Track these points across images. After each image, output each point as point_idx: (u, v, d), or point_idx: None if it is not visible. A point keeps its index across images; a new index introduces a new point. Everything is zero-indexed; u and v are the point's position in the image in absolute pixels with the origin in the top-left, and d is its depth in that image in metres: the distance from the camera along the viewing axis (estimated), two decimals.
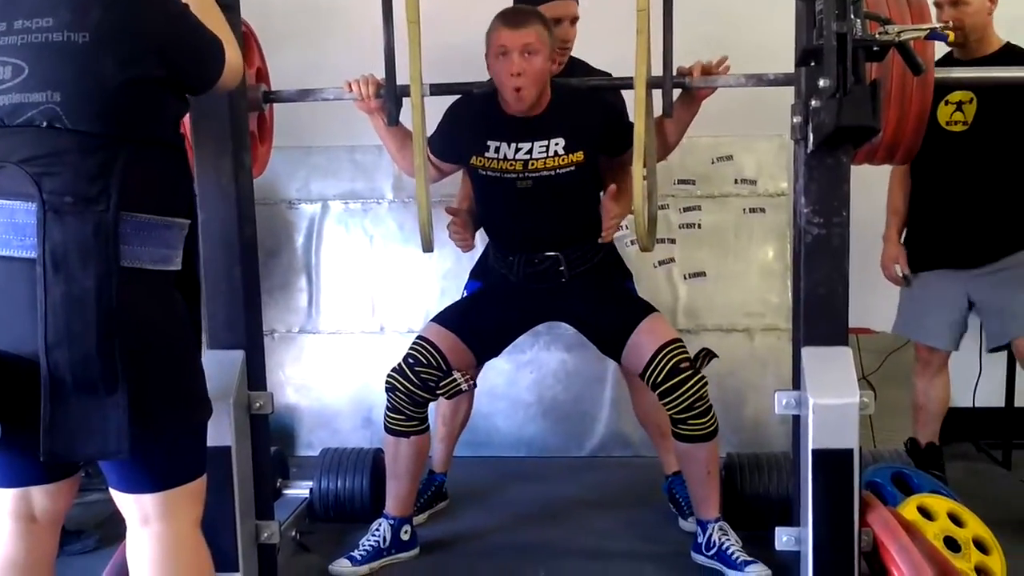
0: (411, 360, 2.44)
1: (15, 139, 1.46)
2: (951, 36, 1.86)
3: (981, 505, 2.36)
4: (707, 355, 2.44)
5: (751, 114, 3.30)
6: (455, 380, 2.44)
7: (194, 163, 2.15)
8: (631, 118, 2.33)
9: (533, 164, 2.40)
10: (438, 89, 2.35)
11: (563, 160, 2.39)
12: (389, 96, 2.32)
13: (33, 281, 1.43)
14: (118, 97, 1.48)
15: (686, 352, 2.39)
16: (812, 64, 1.86)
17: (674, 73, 2.27)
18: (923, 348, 2.96)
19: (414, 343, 2.47)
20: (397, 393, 2.44)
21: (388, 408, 2.48)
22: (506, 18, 2.33)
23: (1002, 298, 2.73)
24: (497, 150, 2.41)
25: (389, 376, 2.46)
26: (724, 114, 3.13)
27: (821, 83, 1.74)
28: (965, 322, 2.87)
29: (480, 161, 2.44)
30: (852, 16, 1.68)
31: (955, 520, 2.25)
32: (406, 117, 2.31)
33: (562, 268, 2.48)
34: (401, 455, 2.50)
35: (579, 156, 2.40)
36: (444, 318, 2.53)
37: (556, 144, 2.39)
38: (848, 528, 2.01)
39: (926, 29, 1.80)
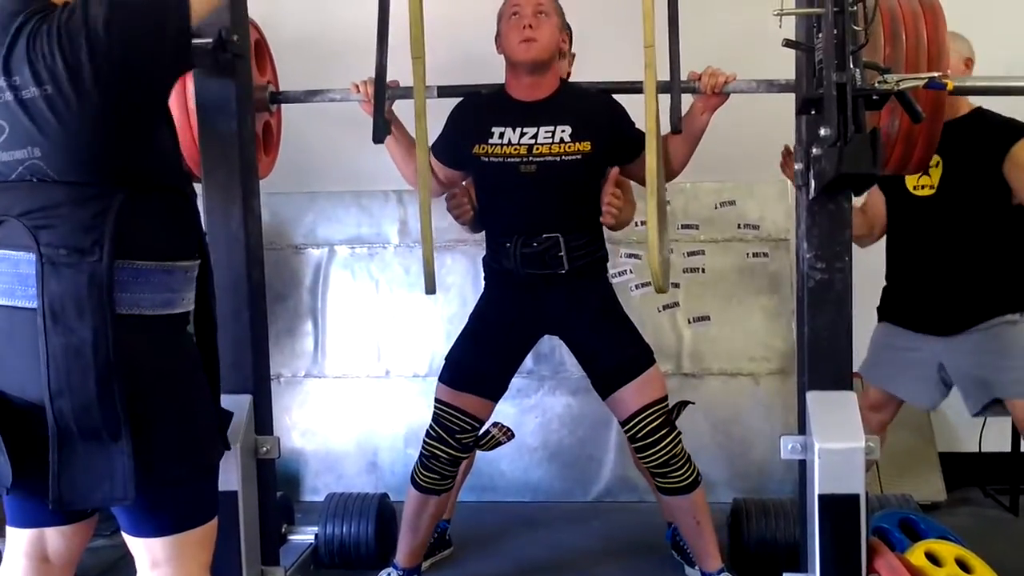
0: (453, 428, 2.43)
1: (13, 193, 1.50)
2: (949, 85, 1.88)
3: (989, 551, 2.34)
4: (681, 406, 2.47)
5: (754, 159, 3.33)
6: (494, 436, 2.49)
7: (203, 207, 2.18)
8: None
9: (538, 149, 2.36)
10: (445, 91, 2.38)
11: (569, 147, 2.35)
12: (378, 113, 2.30)
13: (37, 329, 1.46)
14: (96, 140, 1.49)
15: (667, 411, 2.40)
16: (813, 113, 1.90)
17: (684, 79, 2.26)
18: (865, 409, 2.79)
19: (444, 411, 2.45)
20: (438, 461, 2.45)
21: (423, 468, 2.47)
22: None
23: (980, 363, 2.62)
24: (501, 135, 2.39)
25: (428, 445, 2.46)
26: (727, 160, 3.18)
27: (822, 132, 1.77)
28: (942, 386, 2.74)
29: (483, 149, 2.40)
30: (852, 66, 1.72)
31: (963, 566, 2.23)
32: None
33: (561, 254, 2.39)
34: (426, 511, 2.51)
35: (586, 145, 2.36)
36: (452, 379, 2.48)
37: (563, 131, 2.36)
38: (855, 574, 2.00)
39: (924, 78, 1.83)
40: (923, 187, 2.63)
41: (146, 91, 1.55)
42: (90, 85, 1.47)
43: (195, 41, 2.02)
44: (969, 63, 2.60)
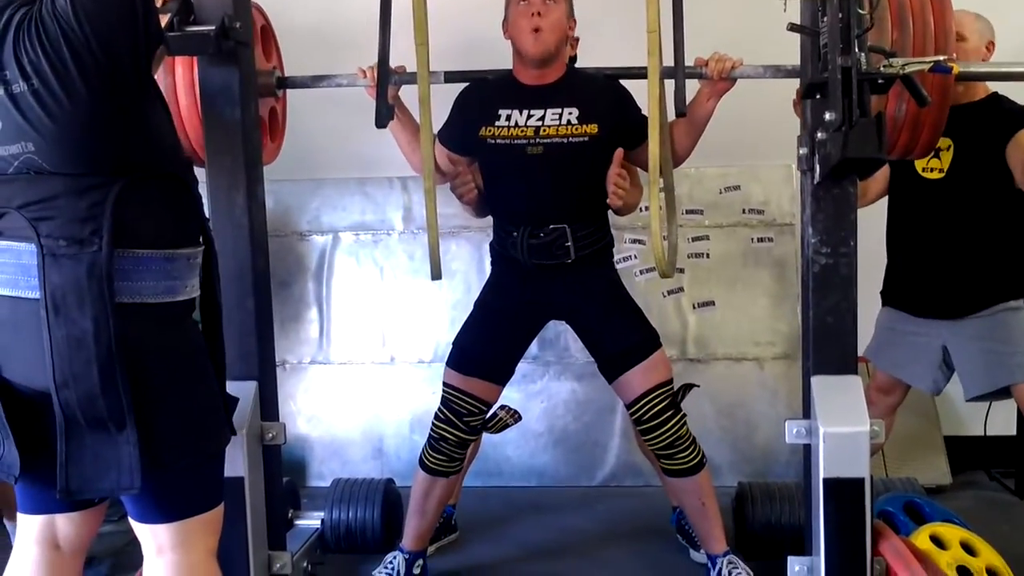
0: (461, 411, 2.45)
1: (14, 186, 1.51)
2: (955, 69, 1.86)
3: (994, 534, 2.35)
4: (686, 388, 2.48)
5: (758, 144, 3.33)
6: (501, 419, 2.50)
7: (207, 194, 2.18)
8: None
9: (545, 131, 2.36)
10: (452, 76, 2.38)
11: (576, 129, 2.36)
12: (380, 98, 2.30)
13: (41, 320, 1.47)
14: (88, 131, 1.49)
15: (672, 394, 2.42)
16: (818, 97, 1.89)
17: (691, 64, 2.25)
18: (874, 391, 2.84)
19: (452, 395, 2.47)
20: (447, 443, 2.47)
21: (431, 449, 2.49)
22: None
23: (983, 349, 2.61)
24: (508, 118, 2.39)
25: (437, 427, 2.48)
26: (732, 144, 3.17)
27: (827, 116, 1.76)
28: (944, 369, 2.74)
29: (489, 131, 2.40)
30: (856, 50, 1.71)
31: (968, 549, 2.24)
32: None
33: (568, 244, 2.40)
34: (434, 493, 2.53)
35: (593, 128, 2.36)
36: (460, 363, 2.49)
37: (570, 113, 2.37)
38: (860, 557, 2.01)
39: (930, 62, 1.82)
40: (932, 170, 2.62)
41: (132, 71, 1.53)
42: (79, 84, 1.47)
43: (198, 28, 2.03)
44: (991, 46, 2.59)
